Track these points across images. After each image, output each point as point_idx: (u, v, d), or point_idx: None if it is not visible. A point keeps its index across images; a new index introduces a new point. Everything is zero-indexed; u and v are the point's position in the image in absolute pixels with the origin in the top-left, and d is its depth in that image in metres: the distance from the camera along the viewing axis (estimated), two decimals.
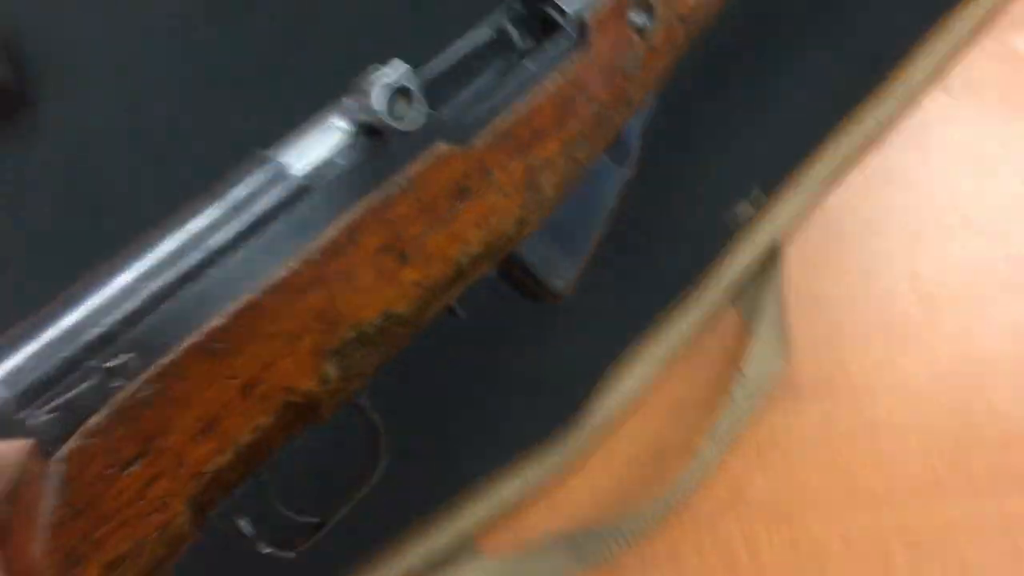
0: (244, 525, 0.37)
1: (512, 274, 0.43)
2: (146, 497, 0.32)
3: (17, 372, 0.31)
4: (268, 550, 0.38)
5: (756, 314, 0.57)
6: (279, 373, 0.34)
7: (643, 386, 0.55)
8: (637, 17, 0.43)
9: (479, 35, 0.42)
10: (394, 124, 0.37)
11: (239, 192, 0.35)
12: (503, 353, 0.54)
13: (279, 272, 0.34)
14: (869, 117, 0.61)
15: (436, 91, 0.39)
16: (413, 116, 0.37)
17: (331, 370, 0.36)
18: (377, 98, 0.36)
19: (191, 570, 0.36)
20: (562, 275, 0.43)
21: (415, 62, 0.38)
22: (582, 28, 0.41)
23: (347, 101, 0.36)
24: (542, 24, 0.43)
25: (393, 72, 0.37)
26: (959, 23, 0.63)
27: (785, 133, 0.60)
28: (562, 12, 0.42)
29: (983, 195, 0.63)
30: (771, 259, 0.58)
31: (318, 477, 0.43)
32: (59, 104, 0.52)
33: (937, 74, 0.63)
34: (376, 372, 0.39)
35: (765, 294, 0.58)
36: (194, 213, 0.35)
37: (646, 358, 0.56)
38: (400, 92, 0.36)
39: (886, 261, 0.61)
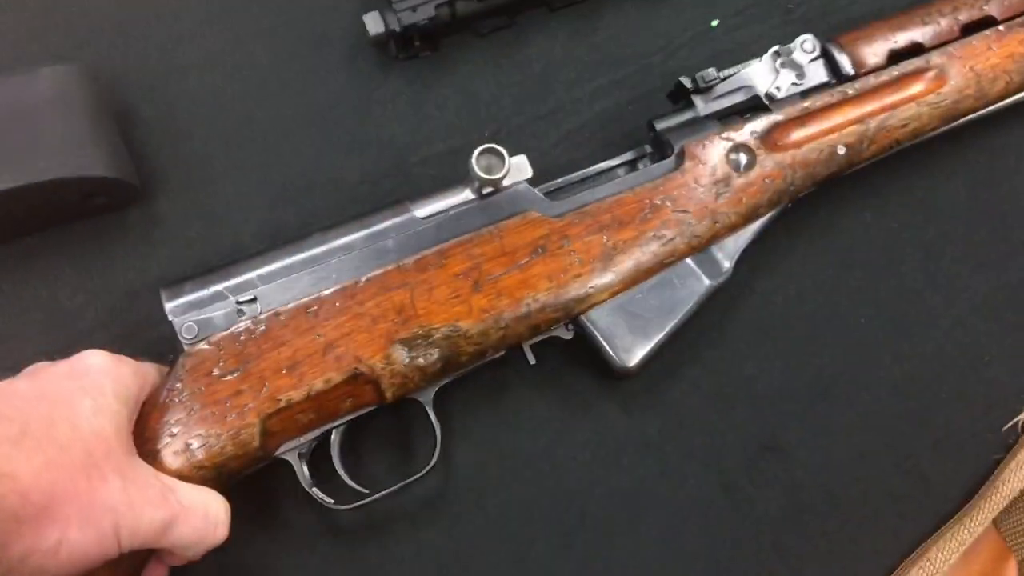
0: (304, 470, 0.46)
1: (584, 339, 0.49)
2: (231, 403, 0.43)
3: (184, 290, 0.45)
4: (315, 491, 0.46)
5: (1022, 539, 0.54)
6: (355, 343, 0.45)
7: None
8: (737, 156, 0.51)
9: (604, 165, 0.53)
10: (501, 187, 0.48)
11: (374, 222, 0.48)
12: None
13: (377, 270, 0.46)
14: None
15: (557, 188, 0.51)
16: (519, 189, 0.49)
17: (396, 354, 0.45)
18: (492, 169, 0.47)
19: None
20: (626, 352, 0.49)
21: None
22: (680, 154, 0.50)
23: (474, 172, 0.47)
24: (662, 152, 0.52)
25: (515, 160, 0.49)
26: None
27: None
28: (662, 139, 0.52)
29: None
30: None
31: (384, 456, 0.52)
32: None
33: None
34: (441, 376, 0.47)
35: None
36: (339, 233, 0.47)
37: None
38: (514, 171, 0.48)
39: None
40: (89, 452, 0.38)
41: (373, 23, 0.56)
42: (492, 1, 0.57)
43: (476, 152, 0.47)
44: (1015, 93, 0.55)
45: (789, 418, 0.54)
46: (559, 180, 0.52)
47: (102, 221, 0.54)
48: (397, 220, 0.48)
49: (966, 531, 0.52)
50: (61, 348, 0.44)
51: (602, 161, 0.53)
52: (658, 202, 0.49)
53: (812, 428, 0.53)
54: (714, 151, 0.51)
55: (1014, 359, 0.55)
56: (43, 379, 0.41)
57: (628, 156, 0.53)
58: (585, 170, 0.52)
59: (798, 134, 0.51)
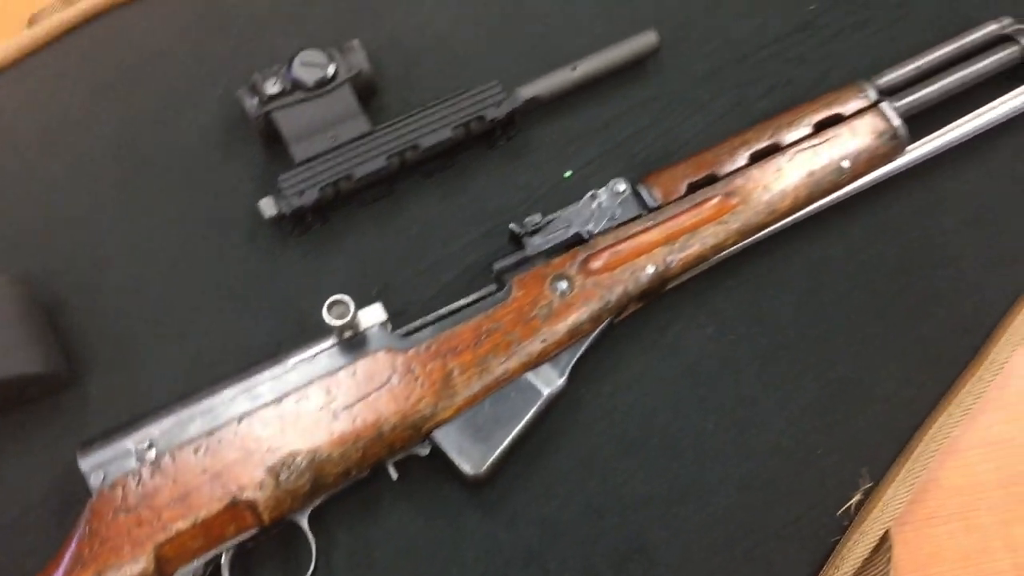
0: None
1: (439, 454, 0.57)
2: (129, 535, 0.52)
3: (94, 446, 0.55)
4: None
5: None
6: (233, 474, 0.53)
7: None
8: (558, 282, 0.60)
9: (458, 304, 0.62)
10: (359, 331, 0.58)
11: (253, 372, 0.57)
12: None
13: (252, 411, 0.55)
14: (965, 391, 0.64)
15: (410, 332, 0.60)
16: (374, 332, 0.58)
17: (268, 481, 0.53)
18: (342, 315, 0.56)
19: None
20: (475, 462, 0.57)
21: None
22: (510, 286, 0.60)
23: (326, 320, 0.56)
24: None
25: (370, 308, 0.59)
26: None
27: (889, 414, 0.64)
28: (501, 278, 0.61)
29: None
30: (882, 549, 0.61)
31: (271, 574, 0.59)
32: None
33: (1019, 336, 0.67)
34: (312, 497, 0.55)
35: None
36: (225, 384, 0.57)
37: None
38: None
39: (983, 537, 0.64)
40: None
41: (267, 207, 0.64)
42: (371, 177, 0.66)
43: (326, 305, 0.56)
44: (804, 207, 0.64)
45: (652, 522, 0.61)
46: (417, 321, 0.61)
47: (38, 406, 0.62)
48: (273, 369, 0.57)
49: None
50: (9, 523, 0.52)
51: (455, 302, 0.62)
52: (490, 328, 0.58)
53: (673, 529, 0.61)
54: (537, 281, 0.60)
55: (843, 450, 0.63)
56: None
57: (477, 295, 0.62)
58: (439, 311, 0.61)
59: (611, 260, 0.61)
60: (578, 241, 0.62)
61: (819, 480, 0.62)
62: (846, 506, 0.62)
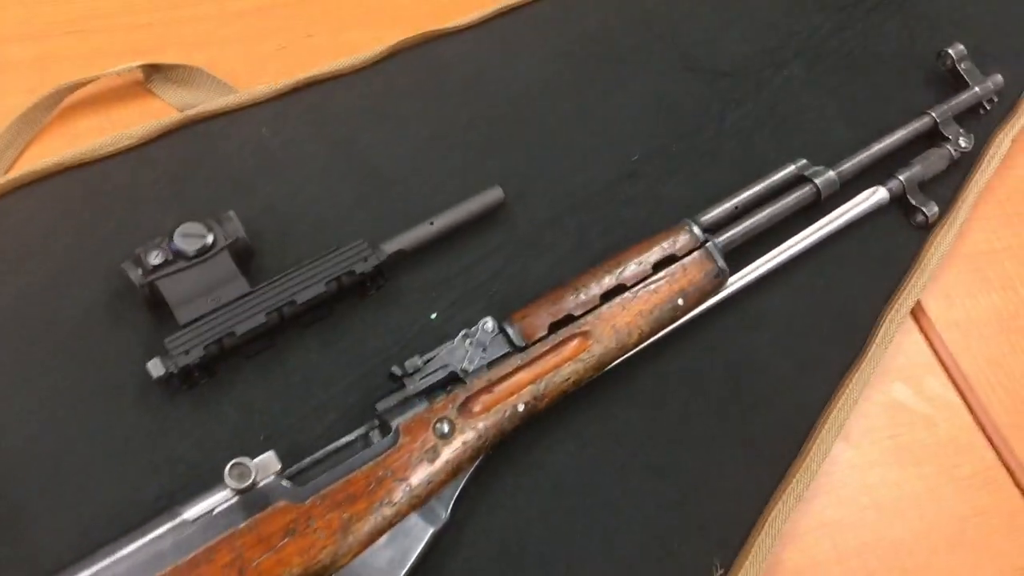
0: None
1: None
2: None
3: None
4: None
5: None
6: None
7: None
8: (441, 426, 0.66)
9: (343, 442, 0.67)
10: (252, 485, 0.61)
11: (151, 528, 0.60)
12: None
13: (156, 573, 0.57)
14: (796, 480, 0.73)
15: (302, 471, 0.65)
16: (270, 483, 0.61)
17: None
18: (243, 477, 0.60)
19: None
20: None
21: None
22: (396, 431, 0.65)
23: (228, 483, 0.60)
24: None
25: (263, 458, 0.62)
26: (852, 387, 0.78)
27: (734, 505, 0.73)
28: (384, 420, 0.67)
29: (891, 533, 0.75)
30: None
31: None
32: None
33: (839, 430, 0.76)
34: None
35: None
36: (123, 543, 0.59)
37: None
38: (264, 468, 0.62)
39: None
40: None
41: (155, 368, 0.69)
42: (252, 332, 0.72)
43: (227, 469, 0.60)
44: (649, 339, 0.74)
45: None
46: (306, 460, 0.65)
47: None
48: (171, 524, 0.60)
49: None
50: None
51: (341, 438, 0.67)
52: (381, 475, 0.63)
53: None
54: (422, 425, 0.66)
55: (696, 542, 0.70)
56: None
57: (362, 430, 0.68)
58: (327, 448, 0.66)
59: (486, 401, 0.68)
60: (455, 378, 0.69)
61: (678, 571, 0.69)
62: None
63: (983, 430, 0.80)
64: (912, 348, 0.84)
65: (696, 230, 0.77)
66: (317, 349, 0.76)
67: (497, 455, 0.71)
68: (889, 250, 0.86)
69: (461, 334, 0.70)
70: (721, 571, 0.69)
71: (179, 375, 0.70)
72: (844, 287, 0.84)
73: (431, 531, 0.64)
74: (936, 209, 0.87)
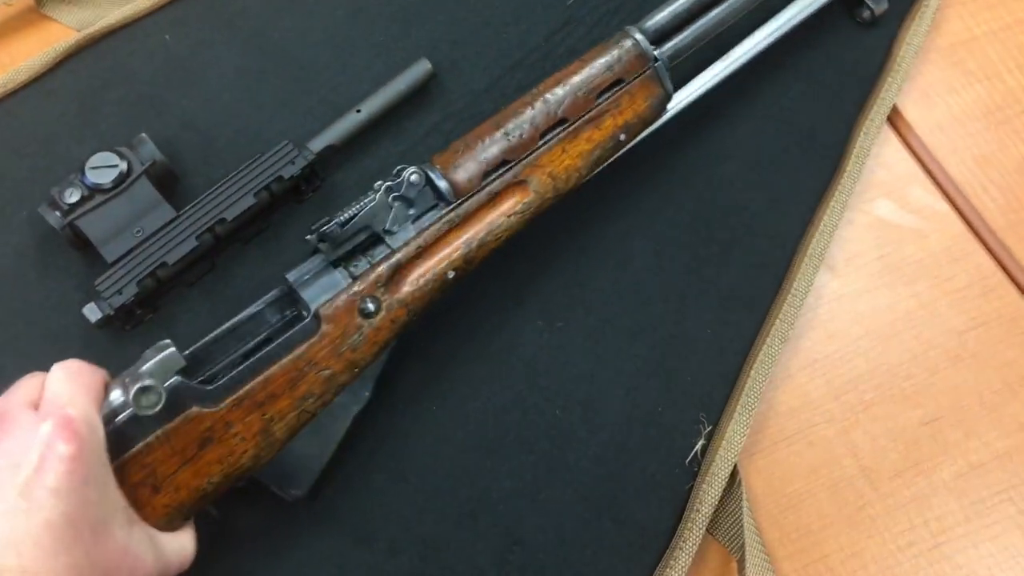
0: None
1: (255, 483, 0.59)
2: None
3: None
4: None
5: (735, 540, 0.64)
6: None
7: None
8: (365, 304, 0.59)
9: (245, 315, 0.62)
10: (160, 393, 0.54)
11: None
12: None
13: None
14: (779, 320, 0.69)
15: (203, 356, 0.60)
16: (177, 387, 0.55)
17: None
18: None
19: None
20: (297, 486, 0.59)
21: None
22: (316, 316, 0.58)
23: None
24: (293, 312, 0.62)
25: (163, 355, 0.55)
26: (831, 212, 0.73)
27: (714, 359, 0.70)
28: (306, 307, 0.59)
29: (887, 360, 0.71)
30: (734, 483, 0.66)
31: None
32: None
33: (821, 259, 0.72)
34: None
35: (738, 518, 0.64)
36: None
37: None
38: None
39: (827, 448, 0.69)
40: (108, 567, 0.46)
41: (91, 312, 0.66)
42: (187, 259, 0.68)
43: (132, 395, 0.52)
44: (582, 182, 0.66)
45: (523, 513, 0.65)
46: (205, 340, 0.60)
47: None
48: None
49: (684, 553, 0.63)
50: None
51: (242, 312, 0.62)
52: (304, 368, 0.57)
53: (542, 514, 0.65)
54: (346, 308, 0.59)
55: (680, 402, 0.68)
56: (67, 488, 0.44)
57: (265, 300, 0.62)
58: (225, 325, 0.61)
59: (415, 272, 0.61)
60: (376, 239, 0.62)
61: (664, 435, 0.67)
62: (692, 453, 0.66)
63: (977, 236, 0.75)
64: (892, 159, 0.78)
65: (643, 42, 0.67)
66: (260, 263, 0.72)
67: (463, 340, 0.68)
68: (857, 56, 0.79)
69: (384, 187, 0.61)
70: (709, 428, 0.67)
71: (118, 316, 0.67)
72: (812, 104, 0.77)
73: (354, 411, 0.61)
74: (885, 4, 0.79)
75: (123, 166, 0.68)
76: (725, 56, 0.74)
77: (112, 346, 0.69)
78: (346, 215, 0.61)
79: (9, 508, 0.43)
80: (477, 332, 0.69)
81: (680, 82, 0.71)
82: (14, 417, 0.47)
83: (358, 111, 0.74)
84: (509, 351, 0.69)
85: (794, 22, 0.75)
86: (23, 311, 0.70)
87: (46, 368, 0.65)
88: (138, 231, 0.68)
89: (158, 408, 0.53)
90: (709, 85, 0.73)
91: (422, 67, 0.75)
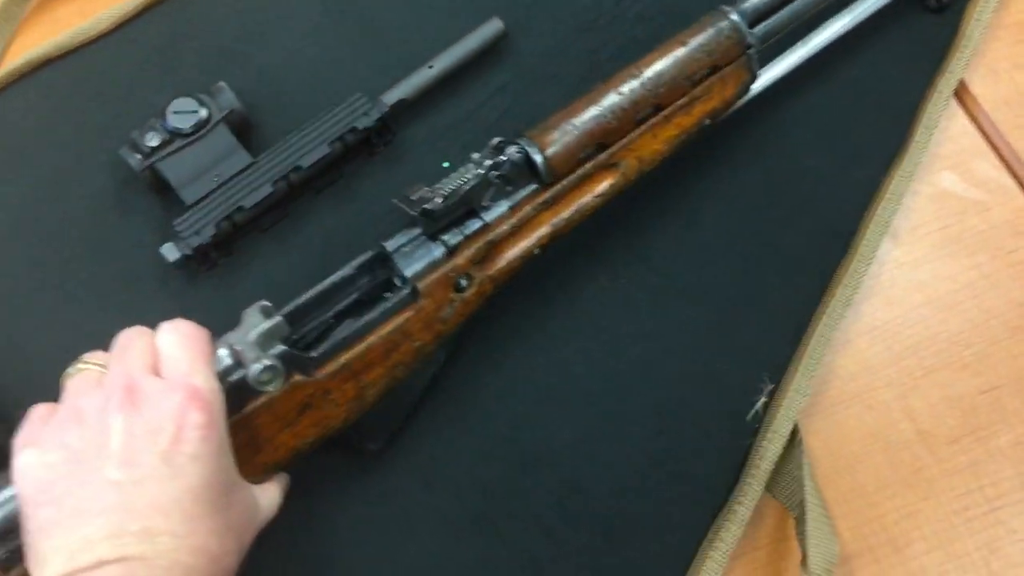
0: None
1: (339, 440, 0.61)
2: None
3: None
4: None
5: (794, 498, 0.64)
6: None
7: None
8: (459, 280, 0.61)
9: (338, 277, 0.62)
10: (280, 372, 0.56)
11: None
12: None
13: None
14: (843, 285, 0.70)
15: (297, 316, 0.60)
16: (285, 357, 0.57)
17: None
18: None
19: None
20: (374, 440, 0.62)
21: None
22: (415, 292, 0.60)
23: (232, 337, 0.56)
24: (383, 276, 0.63)
25: (265, 332, 0.56)
26: (898, 181, 0.73)
27: (778, 321, 0.70)
28: (403, 279, 0.61)
29: (947, 328, 0.72)
30: (794, 442, 0.66)
31: None
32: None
33: (887, 227, 0.72)
34: None
35: (798, 476, 0.65)
36: None
37: (706, 572, 0.62)
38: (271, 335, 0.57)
39: (884, 412, 0.70)
40: (240, 530, 0.50)
41: (169, 252, 0.68)
42: (262, 204, 0.70)
43: (256, 375, 0.54)
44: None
45: (582, 462, 0.66)
46: (301, 300, 0.60)
47: None
48: None
49: (743, 508, 0.64)
50: None
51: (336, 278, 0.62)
52: (399, 340, 0.59)
53: (601, 464, 0.66)
54: (442, 282, 0.61)
55: (742, 362, 0.68)
56: (204, 453, 0.47)
57: (355, 266, 0.62)
58: (320, 286, 0.61)
59: (509, 251, 0.63)
60: (470, 213, 0.62)
61: (725, 393, 0.68)
62: (753, 410, 0.67)
63: None
64: (958, 132, 0.78)
65: (741, 24, 0.67)
66: (332, 213, 0.74)
67: (532, 294, 0.70)
68: (926, 30, 0.79)
69: (486, 164, 0.61)
70: (771, 386, 0.67)
71: (195, 256, 0.69)
72: (881, 75, 0.77)
73: (431, 372, 0.63)
74: None
75: (203, 113, 0.70)
76: (805, 41, 0.75)
77: (186, 287, 0.71)
78: (447, 189, 0.61)
79: (154, 474, 0.45)
80: (543, 286, 0.70)
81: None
82: (142, 387, 0.48)
83: (430, 67, 0.75)
84: (573, 305, 0.70)
85: (869, 11, 0.76)
86: (102, 250, 0.72)
87: (125, 309, 0.68)
88: (216, 176, 0.70)
89: (275, 384, 0.55)
90: (788, 69, 0.74)
91: (494, 26, 0.76)
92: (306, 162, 0.70)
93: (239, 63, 0.78)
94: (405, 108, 0.74)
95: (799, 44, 0.75)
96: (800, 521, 0.63)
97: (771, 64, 0.74)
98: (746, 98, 0.72)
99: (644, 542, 0.64)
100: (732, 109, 0.71)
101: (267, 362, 0.55)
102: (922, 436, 0.69)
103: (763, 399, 0.67)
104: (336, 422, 0.59)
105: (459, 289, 0.61)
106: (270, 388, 0.55)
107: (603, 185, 0.65)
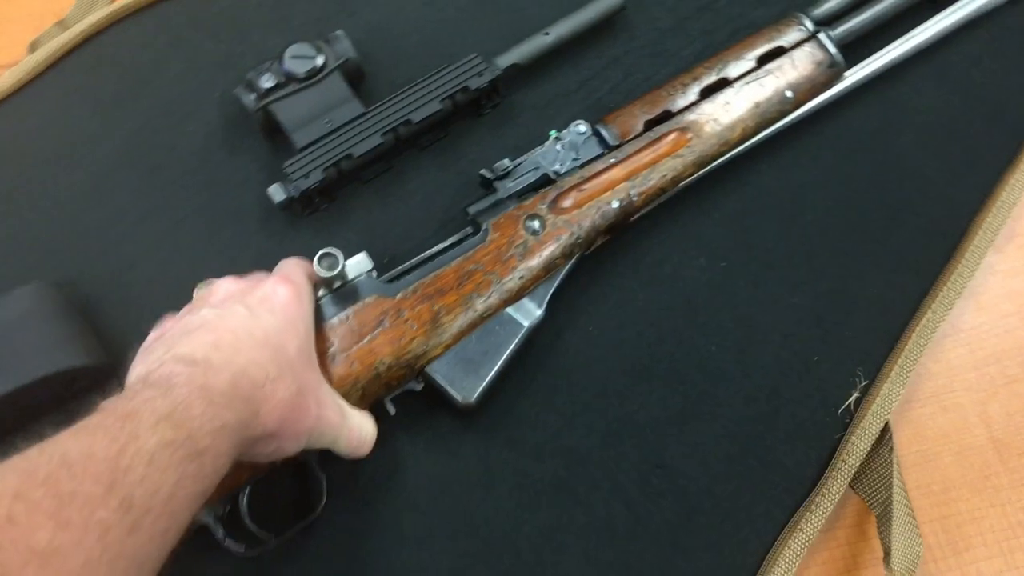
0: (220, 530, 0.57)
1: (432, 388, 0.63)
2: None
3: None
4: (227, 542, 0.57)
5: (877, 496, 0.64)
6: None
7: None
8: (531, 222, 0.65)
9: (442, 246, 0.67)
10: (348, 281, 0.63)
11: None
12: None
13: None
14: (947, 287, 0.69)
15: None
16: (362, 280, 0.63)
17: None
18: (332, 267, 0.60)
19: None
20: (465, 391, 0.62)
21: None
22: (486, 229, 0.65)
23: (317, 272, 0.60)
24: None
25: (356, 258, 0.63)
26: (1009, 190, 0.72)
27: (875, 317, 0.69)
28: (476, 222, 0.66)
29: None
30: (884, 440, 0.66)
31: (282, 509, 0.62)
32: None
33: (996, 233, 0.71)
34: None
35: (885, 475, 0.64)
36: None
37: (783, 560, 0.62)
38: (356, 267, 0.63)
39: (960, 415, 0.69)
40: (300, 387, 0.53)
41: (276, 193, 0.69)
42: (369, 154, 0.70)
43: (316, 257, 0.60)
44: (753, 136, 0.70)
45: (669, 439, 0.65)
46: (401, 267, 0.65)
47: (87, 400, 0.66)
48: None
49: (826, 501, 0.63)
50: None
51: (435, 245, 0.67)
52: (471, 268, 0.63)
53: (688, 444, 0.65)
54: (512, 222, 0.65)
55: (837, 355, 0.68)
56: (281, 313, 0.55)
57: (455, 238, 0.67)
58: (421, 255, 0.66)
59: (578, 197, 0.66)
60: (546, 181, 0.67)
61: (818, 385, 0.67)
62: (846, 404, 0.66)
63: None
64: None
65: (807, 22, 0.72)
66: (435, 171, 0.74)
67: (628, 269, 0.69)
68: None
69: (552, 137, 0.68)
70: (865, 382, 0.67)
71: (299, 200, 0.69)
72: (1001, 81, 0.76)
73: (525, 327, 0.63)
74: None
75: (319, 59, 0.71)
76: (906, 36, 0.75)
77: (287, 228, 0.72)
78: (519, 159, 0.68)
79: (239, 312, 0.54)
80: (642, 262, 0.70)
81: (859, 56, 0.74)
82: (258, 278, 0.59)
83: (545, 34, 0.75)
84: (671, 283, 0.70)
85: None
86: (209, 185, 0.73)
87: (227, 244, 0.72)
88: (327, 122, 0.70)
89: (337, 271, 0.60)
90: (886, 60, 0.74)
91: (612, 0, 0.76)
92: (416, 117, 0.70)
93: (351, 14, 0.79)
94: (517, 72, 0.74)
95: (899, 40, 0.75)
96: (883, 519, 0.62)
97: (874, 57, 0.74)
98: (846, 85, 0.73)
99: (724, 525, 0.64)
100: (824, 90, 0.72)
101: (327, 250, 0.60)
102: (995, 444, 0.68)
103: (856, 394, 0.66)
104: (413, 345, 0.61)
105: (532, 231, 0.65)
106: (329, 274, 0.60)
107: (671, 143, 0.68)
